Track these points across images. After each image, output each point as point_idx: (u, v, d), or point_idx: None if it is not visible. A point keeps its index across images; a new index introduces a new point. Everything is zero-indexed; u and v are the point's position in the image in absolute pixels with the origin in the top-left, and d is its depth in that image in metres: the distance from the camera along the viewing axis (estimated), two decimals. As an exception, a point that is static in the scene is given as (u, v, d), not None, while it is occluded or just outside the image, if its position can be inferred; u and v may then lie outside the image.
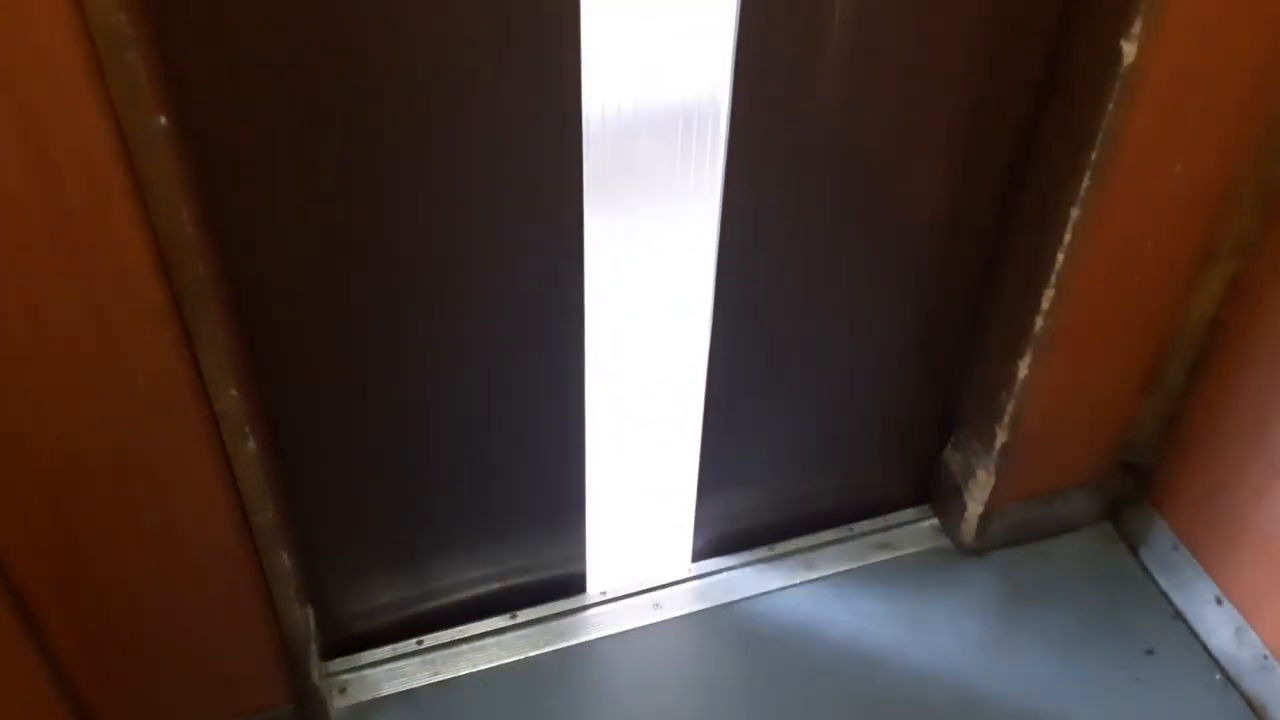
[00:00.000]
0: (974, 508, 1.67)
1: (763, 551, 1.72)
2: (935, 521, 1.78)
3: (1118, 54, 1.21)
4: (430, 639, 1.59)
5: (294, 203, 1.13)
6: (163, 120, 0.93)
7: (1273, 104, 1.31)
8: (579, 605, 1.64)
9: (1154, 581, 1.70)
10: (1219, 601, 1.59)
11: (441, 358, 1.33)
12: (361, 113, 1.09)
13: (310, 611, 1.44)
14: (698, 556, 1.70)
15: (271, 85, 1.05)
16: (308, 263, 1.18)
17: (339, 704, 1.53)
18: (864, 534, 1.76)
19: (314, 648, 1.44)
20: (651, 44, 1.19)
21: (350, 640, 1.57)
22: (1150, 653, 1.62)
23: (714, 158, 1.28)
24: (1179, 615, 1.66)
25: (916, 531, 1.77)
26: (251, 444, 1.15)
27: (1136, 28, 1.19)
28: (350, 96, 1.08)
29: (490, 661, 1.57)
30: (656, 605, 1.65)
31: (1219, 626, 1.60)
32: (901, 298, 1.51)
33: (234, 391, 1.10)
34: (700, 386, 1.50)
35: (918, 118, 1.32)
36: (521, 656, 1.58)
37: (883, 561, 1.73)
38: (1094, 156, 1.28)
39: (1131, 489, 1.72)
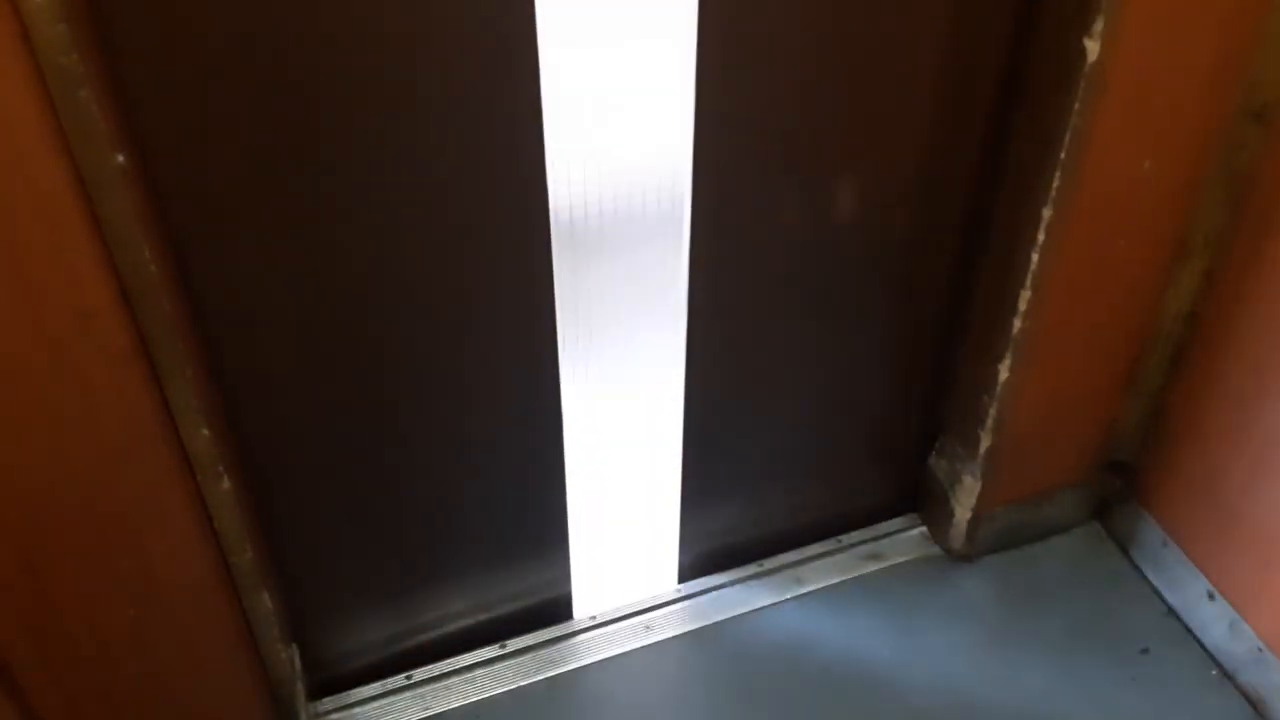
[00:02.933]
0: (961, 513, 1.66)
1: (751, 568, 1.71)
2: (924, 529, 1.77)
3: (1081, 52, 1.21)
4: (419, 673, 1.57)
5: (261, 237, 1.12)
6: (120, 158, 0.91)
7: (1235, 95, 1.31)
8: (568, 631, 1.62)
9: (1145, 579, 1.69)
10: (1211, 596, 1.58)
11: (418, 389, 1.31)
12: (329, 144, 1.08)
13: (295, 651, 1.42)
14: (685, 576, 1.69)
15: (232, 119, 1.03)
16: (277, 297, 1.17)
17: (329, 744, 1.50)
18: (852, 545, 1.75)
19: (301, 688, 1.41)
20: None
21: (338, 679, 1.54)
22: (1145, 651, 1.61)
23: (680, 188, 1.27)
24: (1172, 612, 1.65)
25: (905, 540, 1.76)
26: (226, 483, 1.13)
27: (1098, 25, 1.19)
28: (316, 128, 1.07)
29: (481, 693, 1.55)
30: (647, 627, 1.64)
31: (1212, 622, 1.59)
32: (879, 305, 1.50)
33: (205, 430, 1.08)
34: (679, 403, 1.49)
35: (884, 124, 1.32)
36: (513, 686, 1.56)
37: (873, 572, 1.72)
38: (1063, 156, 1.28)
39: (1118, 488, 1.71)
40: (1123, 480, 1.70)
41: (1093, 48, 1.21)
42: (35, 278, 0.92)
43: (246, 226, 1.10)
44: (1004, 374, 1.48)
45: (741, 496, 1.65)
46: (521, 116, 1.14)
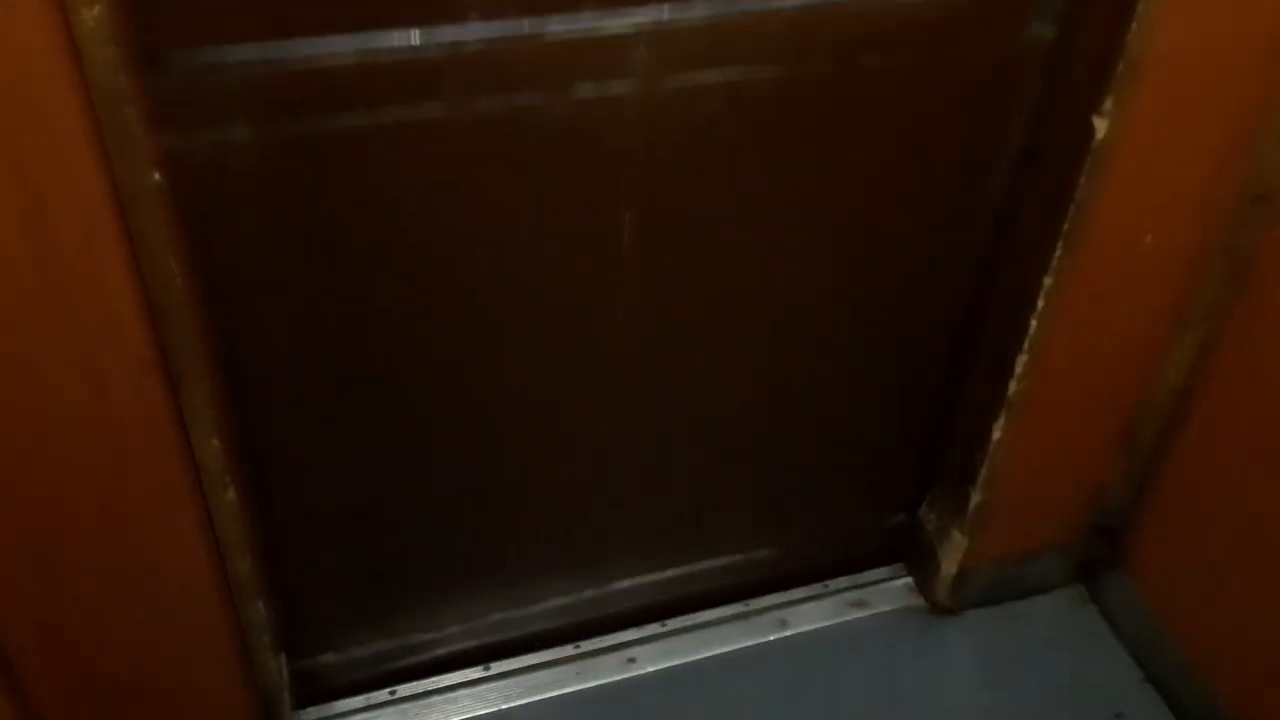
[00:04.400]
0: (948, 567, 1.69)
1: (738, 607, 1.73)
2: (909, 580, 1.79)
3: (1090, 129, 1.24)
4: (403, 689, 1.59)
5: (282, 255, 1.15)
6: (156, 176, 0.94)
7: (1239, 177, 1.34)
8: (553, 658, 1.64)
9: (1124, 645, 1.71)
10: (1188, 668, 1.60)
11: (426, 416, 1.34)
12: (361, 167, 1.11)
13: (284, 660, 1.44)
14: (671, 612, 1.71)
15: (263, 143, 1.06)
16: (295, 316, 1.20)
17: (310, 754, 1.52)
18: (839, 591, 1.77)
19: (287, 697, 1.43)
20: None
21: (323, 690, 1.56)
22: (1119, 717, 1.63)
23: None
24: (1149, 680, 1.67)
25: (891, 590, 1.78)
26: (231, 493, 1.16)
27: (1108, 104, 1.22)
28: (347, 149, 1.10)
29: (463, 713, 1.57)
30: (630, 660, 1.65)
31: (1187, 693, 1.61)
32: (878, 359, 1.53)
33: (215, 440, 1.11)
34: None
35: (900, 183, 1.35)
36: (494, 709, 1.58)
37: (856, 619, 1.74)
38: (1066, 227, 1.31)
39: (1104, 552, 1.74)
40: (1108, 545, 1.73)
41: (1101, 125, 1.24)
42: (69, 284, 0.95)
43: (269, 245, 1.13)
44: (997, 433, 1.51)
45: (732, 537, 1.68)
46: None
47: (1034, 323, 1.39)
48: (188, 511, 1.15)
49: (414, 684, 1.59)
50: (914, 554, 1.77)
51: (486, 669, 1.62)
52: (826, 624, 1.72)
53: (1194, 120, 1.28)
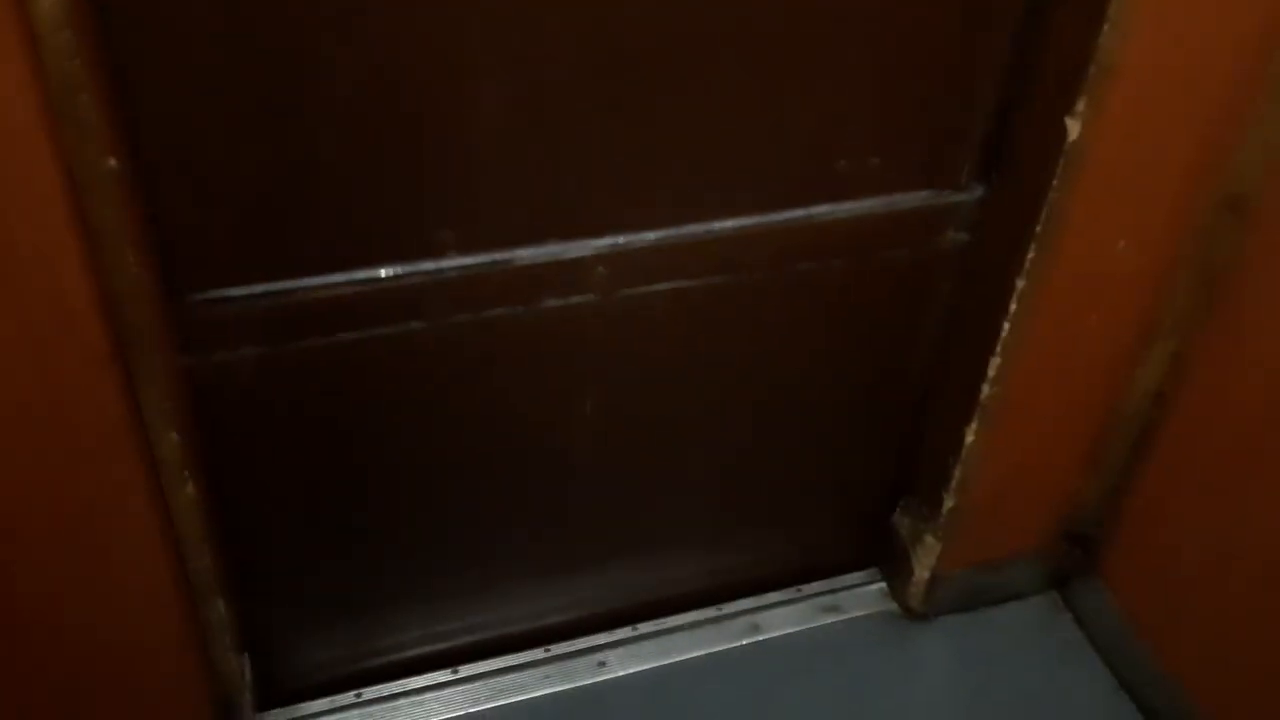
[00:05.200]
0: (921, 573, 1.68)
1: (710, 611, 1.72)
2: (883, 585, 1.78)
3: (1062, 131, 1.24)
4: (369, 692, 1.57)
5: (246, 246, 1.13)
6: (112, 162, 0.93)
7: (1212, 184, 1.34)
8: (521, 662, 1.62)
9: (1098, 653, 1.71)
10: (1162, 675, 1.59)
11: (393, 416, 1.33)
12: (325, 149, 1.09)
13: (246, 661, 1.42)
14: (643, 616, 1.69)
15: (229, 128, 1.05)
16: (258, 308, 1.18)
17: (274, 757, 1.50)
18: (812, 595, 1.76)
19: (249, 698, 1.41)
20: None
21: (288, 692, 1.54)
22: (1092, 724, 1.63)
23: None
24: (1122, 688, 1.66)
25: (864, 595, 1.77)
26: (190, 488, 1.15)
27: (1081, 105, 1.22)
28: (314, 144, 1.08)
29: (430, 716, 1.55)
30: (601, 663, 1.64)
31: (1161, 701, 1.60)
32: (852, 362, 1.52)
33: (174, 435, 1.10)
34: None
35: (864, 180, 1.34)
36: (461, 712, 1.56)
37: (829, 624, 1.73)
38: (1039, 229, 1.31)
39: (1077, 559, 1.73)
40: (1082, 552, 1.72)
41: (1074, 127, 1.23)
42: (20, 275, 0.94)
43: (232, 234, 1.12)
44: (970, 438, 1.50)
45: (704, 540, 1.67)
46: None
47: (1006, 325, 1.39)
48: (145, 507, 1.13)
49: (381, 686, 1.58)
50: (888, 559, 1.76)
51: (455, 672, 1.61)
52: (799, 629, 1.72)
53: (1167, 125, 1.27)
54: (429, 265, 1.20)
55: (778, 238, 1.32)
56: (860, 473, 1.68)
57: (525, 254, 1.23)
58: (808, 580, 1.78)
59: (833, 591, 1.77)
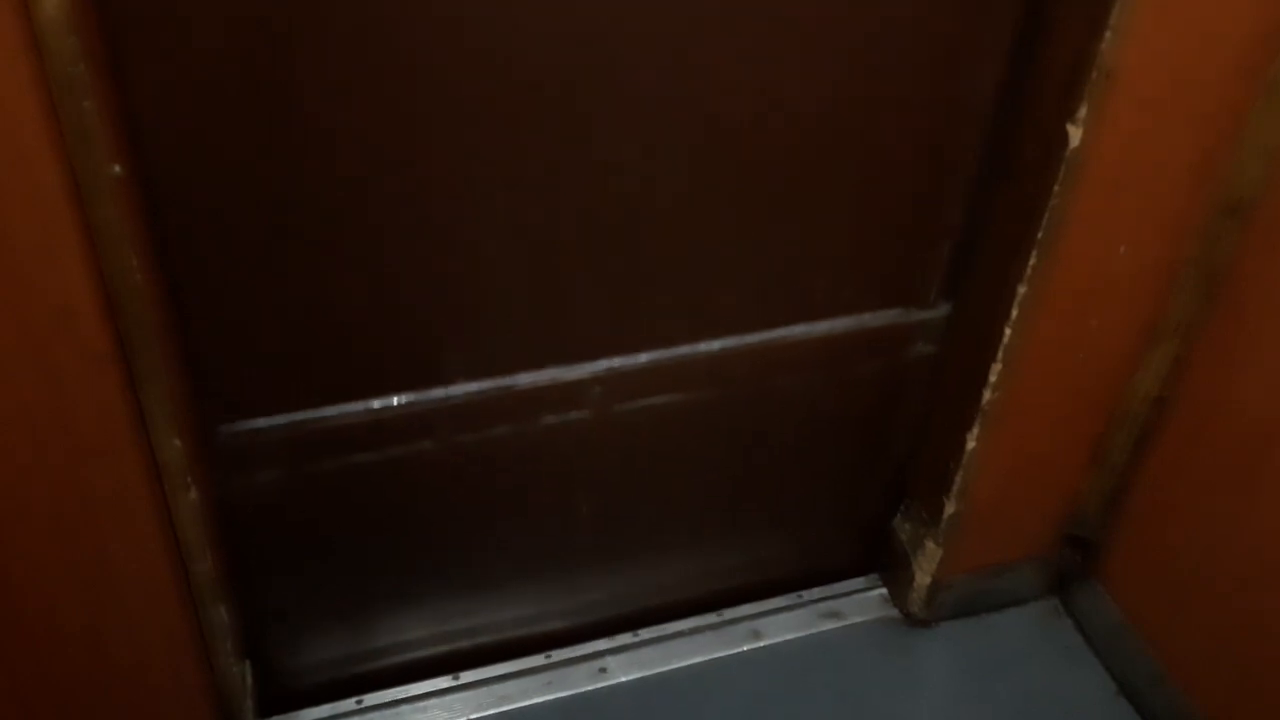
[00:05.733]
0: (922, 578, 1.68)
1: (710, 617, 1.72)
2: (884, 591, 1.78)
3: (1064, 137, 1.24)
4: (370, 698, 1.57)
5: (250, 251, 1.13)
6: (117, 168, 0.93)
7: (1213, 189, 1.35)
8: (523, 668, 1.62)
9: (1099, 657, 1.71)
10: (1163, 680, 1.59)
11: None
12: (327, 163, 1.10)
13: (247, 667, 1.42)
14: (644, 621, 1.69)
15: (232, 135, 1.05)
16: (262, 312, 1.18)
17: (274, 763, 1.50)
18: (813, 601, 1.76)
19: (250, 704, 1.41)
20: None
21: (289, 697, 1.54)
22: (1094, 729, 1.63)
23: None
24: (1123, 693, 1.66)
25: (865, 600, 1.77)
26: (193, 493, 1.14)
27: (1082, 112, 1.22)
28: (315, 143, 1.09)
29: (431, 722, 1.56)
30: (602, 670, 1.64)
31: (1163, 705, 1.60)
32: (853, 367, 1.52)
33: (177, 441, 1.10)
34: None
35: (868, 185, 1.35)
36: (463, 718, 1.56)
37: (830, 630, 1.72)
38: (1040, 235, 1.31)
39: (1077, 564, 1.73)
40: (1082, 557, 1.72)
41: (1075, 133, 1.24)
42: (23, 275, 0.94)
43: (236, 240, 1.12)
44: (971, 443, 1.50)
45: (705, 546, 1.66)
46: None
47: (1008, 331, 1.39)
48: (147, 512, 1.13)
49: (382, 693, 1.58)
50: (888, 565, 1.76)
51: (456, 678, 1.60)
52: (800, 635, 1.71)
53: (1168, 129, 1.28)
54: (439, 392, 1.31)
55: (758, 355, 1.43)
56: (860, 479, 1.68)
57: (526, 378, 1.34)
58: (809, 586, 1.78)
59: (834, 597, 1.77)
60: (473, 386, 1.32)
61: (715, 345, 1.41)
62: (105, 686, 1.25)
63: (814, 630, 1.72)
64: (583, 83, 1.13)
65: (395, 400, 1.30)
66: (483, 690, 1.60)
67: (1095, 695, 1.67)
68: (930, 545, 1.64)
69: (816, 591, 1.78)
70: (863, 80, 1.24)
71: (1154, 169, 1.31)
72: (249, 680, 1.42)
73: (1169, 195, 1.34)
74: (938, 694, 1.66)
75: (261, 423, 1.26)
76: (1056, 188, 1.27)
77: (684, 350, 1.39)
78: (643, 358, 1.38)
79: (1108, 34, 1.17)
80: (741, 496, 1.62)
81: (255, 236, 1.12)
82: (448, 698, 1.58)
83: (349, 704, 1.56)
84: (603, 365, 1.37)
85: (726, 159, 1.25)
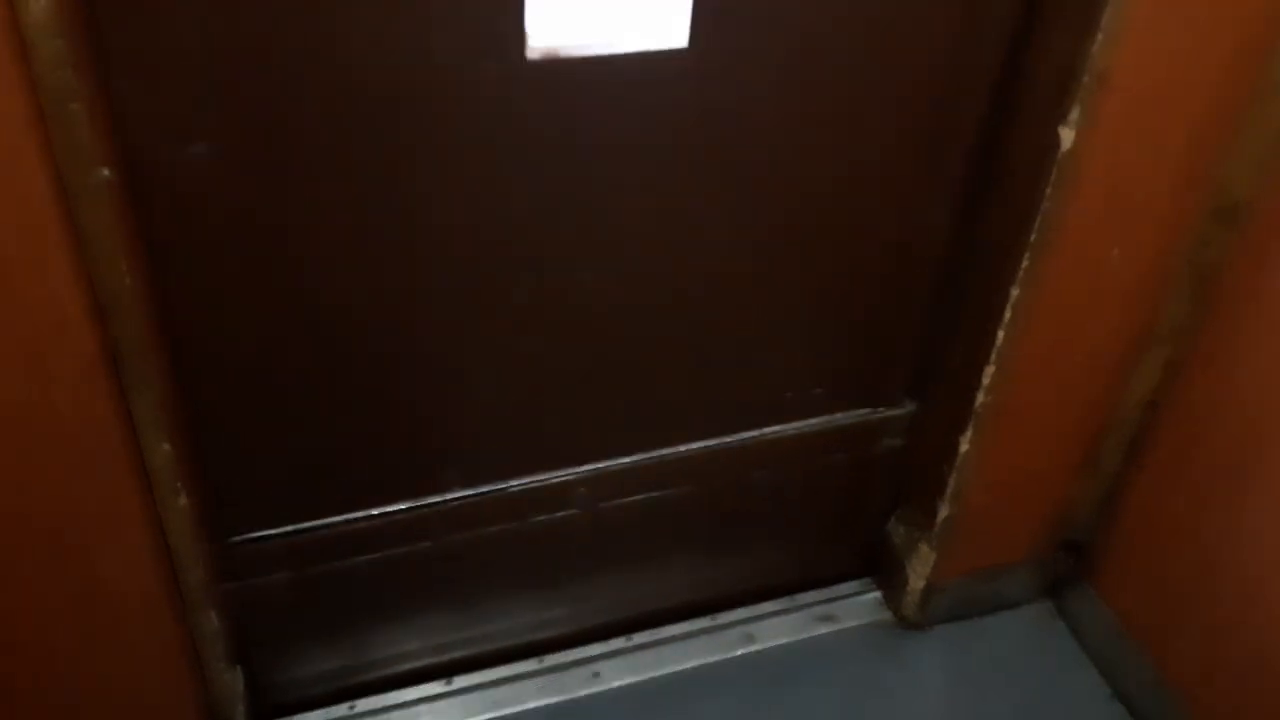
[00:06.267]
0: (916, 582, 1.68)
1: (704, 621, 1.71)
2: (878, 594, 1.78)
3: (1056, 139, 1.24)
4: (363, 704, 1.56)
5: (240, 258, 1.13)
6: (105, 172, 0.93)
7: (1204, 193, 1.35)
8: (516, 673, 1.61)
9: (1093, 661, 1.71)
10: (1158, 684, 1.59)
11: (383, 424, 1.32)
12: (312, 169, 1.10)
13: (239, 673, 1.41)
14: (637, 626, 1.69)
15: (221, 136, 1.05)
16: (251, 318, 1.18)
17: (266, 770, 1.50)
18: (807, 605, 1.76)
19: (242, 710, 1.40)
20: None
21: (281, 704, 1.53)
22: (1088, 732, 1.62)
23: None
24: (1117, 696, 1.66)
25: (859, 604, 1.77)
26: (184, 500, 1.14)
27: (1074, 115, 1.22)
28: (300, 147, 1.08)
29: (424, 728, 1.55)
30: (595, 674, 1.63)
31: (1157, 709, 1.60)
32: (846, 372, 1.52)
33: (167, 445, 1.09)
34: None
35: (861, 188, 1.34)
36: (456, 724, 1.56)
37: (824, 634, 1.72)
38: (1033, 238, 1.31)
39: (1072, 567, 1.73)
40: (1075, 560, 1.72)
41: (1067, 136, 1.24)
42: (12, 283, 0.93)
43: (227, 247, 1.12)
44: (965, 446, 1.50)
45: (699, 551, 1.66)
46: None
47: (1001, 334, 1.39)
48: (137, 519, 1.12)
49: (374, 699, 1.57)
50: (883, 568, 1.76)
51: (449, 683, 1.60)
52: (794, 639, 1.71)
53: (1159, 133, 1.28)
54: (435, 499, 1.40)
55: (734, 454, 1.54)
56: (856, 482, 1.68)
57: (518, 483, 1.44)
58: (802, 590, 1.78)
59: (827, 601, 1.77)
60: (468, 492, 1.42)
61: (695, 446, 1.51)
62: (98, 693, 1.25)
63: (808, 634, 1.72)
64: (565, 225, 1.23)
65: (396, 507, 1.39)
66: (475, 695, 1.59)
67: (1090, 699, 1.66)
68: (924, 549, 1.64)
69: (810, 595, 1.77)
70: (814, 214, 1.33)
71: (1146, 172, 1.31)
72: (241, 686, 1.41)
73: (1161, 198, 1.34)
74: (932, 698, 1.66)
75: (273, 532, 1.35)
76: (1048, 191, 1.27)
77: (664, 452, 1.50)
78: (626, 460, 1.48)
79: (1099, 36, 1.17)
80: (734, 514, 1.64)
81: (267, 371, 1.22)
82: (441, 703, 1.58)
83: (341, 709, 1.55)
84: (589, 469, 1.46)
85: (696, 286, 1.35)
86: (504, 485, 1.43)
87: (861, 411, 1.57)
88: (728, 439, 1.51)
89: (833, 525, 1.73)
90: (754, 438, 1.53)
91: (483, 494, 1.42)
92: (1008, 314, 1.37)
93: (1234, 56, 1.24)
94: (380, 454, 1.34)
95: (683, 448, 1.50)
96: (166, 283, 1.10)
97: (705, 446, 1.51)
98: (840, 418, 1.56)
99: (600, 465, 1.46)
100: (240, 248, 1.12)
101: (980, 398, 1.45)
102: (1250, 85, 1.27)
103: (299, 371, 1.23)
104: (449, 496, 1.40)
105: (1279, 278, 1.34)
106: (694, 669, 1.66)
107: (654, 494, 1.53)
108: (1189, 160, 1.32)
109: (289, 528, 1.35)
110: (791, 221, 1.33)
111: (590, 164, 1.19)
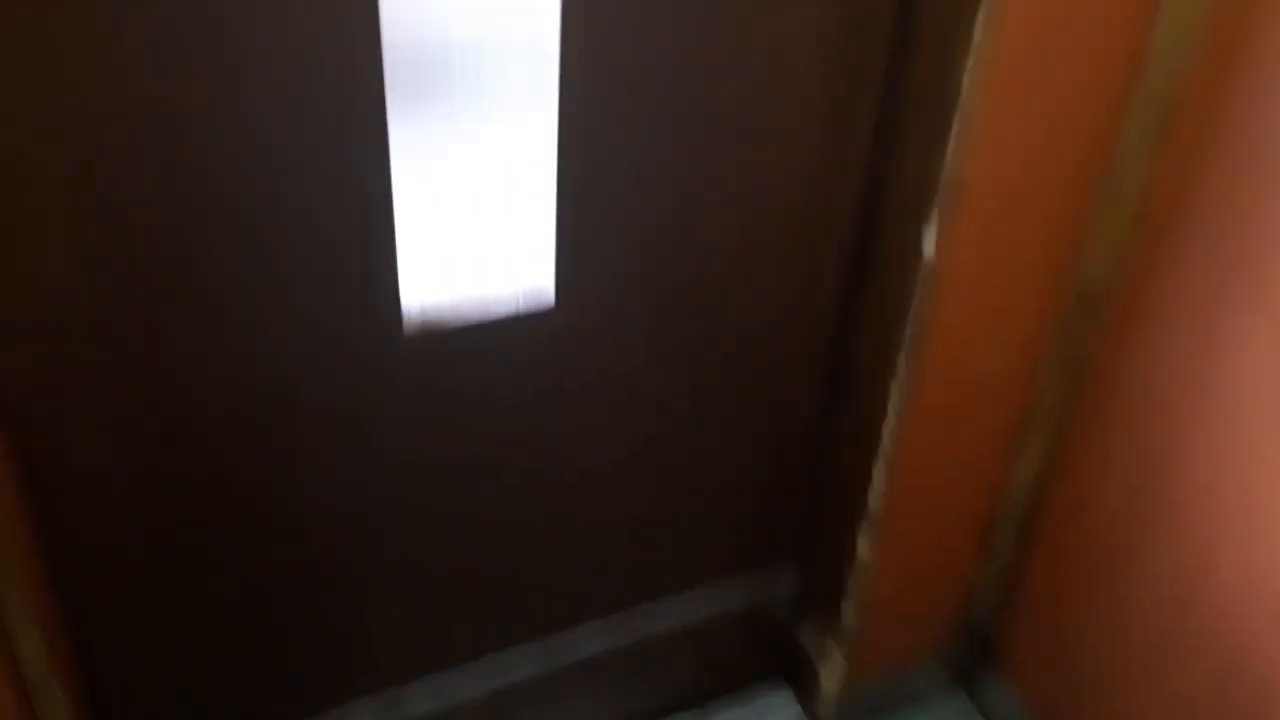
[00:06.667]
0: (829, 685, 1.67)
1: (620, 745, 1.68)
2: (794, 699, 1.76)
3: (918, 246, 1.28)
4: None
5: (104, 433, 1.09)
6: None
7: (1067, 286, 1.39)
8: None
9: (1007, 748, 1.71)
10: (1072, 763, 1.60)
11: (271, 589, 1.28)
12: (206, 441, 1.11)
13: None
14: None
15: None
16: (125, 499, 1.14)
17: None
18: (720, 714, 1.73)
19: None
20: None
21: None
22: (1011, 822, 1.62)
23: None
24: (1034, 782, 1.67)
25: (776, 709, 1.75)
26: (59, 694, 1.08)
27: (933, 222, 1.26)
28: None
29: None
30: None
31: (1074, 789, 1.61)
32: (741, 478, 1.53)
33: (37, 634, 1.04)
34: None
35: (735, 302, 1.36)
36: None
37: (742, 745, 1.70)
38: (906, 337, 1.33)
39: (980, 656, 1.74)
40: (983, 648, 1.73)
41: (930, 241, 1.27)
42: None
43: (88, 421, 1.08)
44: (863, 547, 1.51)
45: (606, 664, 1.63)
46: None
47: (885, 435, 1.41)
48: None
49: None
50: (798, 673, 1.75)
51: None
52: (711, 753, 1.68)
53: (1018, 232, 1.32)
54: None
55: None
56: (765, 585, 1.67)
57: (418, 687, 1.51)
58: (716, 697, 1.75)
59: (743, 705, 1.75)
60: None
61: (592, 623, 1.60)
62: None
63: (725, 746, 1.69)
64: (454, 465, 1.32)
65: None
66: None
67: (1009, 786, 1.67)
68: (835, 652, 1.64)
69: (725, 702, 1.75)
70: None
71: (1009, 269, 1.35)
72: None
73: (1026, 293, 1.38)
74: (855, 802, 1.64)
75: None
76: (916, 292, 1.31)
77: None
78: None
79: (951, 144, 1.21)
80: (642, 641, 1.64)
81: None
82: None
83: None
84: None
85: (574, 498, 1.43)
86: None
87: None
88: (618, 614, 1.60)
89: (743, 631, 1.71)
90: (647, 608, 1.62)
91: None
92: (890, 416, 1.39)
93: (1081, 157, 1.29)
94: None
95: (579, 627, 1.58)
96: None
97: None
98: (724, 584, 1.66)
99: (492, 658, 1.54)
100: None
101: (872, 499, 1.46)
102: (1098, 182, 1.32)
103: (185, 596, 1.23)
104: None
105: (1141, 359, 1.39)
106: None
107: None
108: (1049, 254, 1.36)
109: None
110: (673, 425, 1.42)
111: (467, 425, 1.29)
